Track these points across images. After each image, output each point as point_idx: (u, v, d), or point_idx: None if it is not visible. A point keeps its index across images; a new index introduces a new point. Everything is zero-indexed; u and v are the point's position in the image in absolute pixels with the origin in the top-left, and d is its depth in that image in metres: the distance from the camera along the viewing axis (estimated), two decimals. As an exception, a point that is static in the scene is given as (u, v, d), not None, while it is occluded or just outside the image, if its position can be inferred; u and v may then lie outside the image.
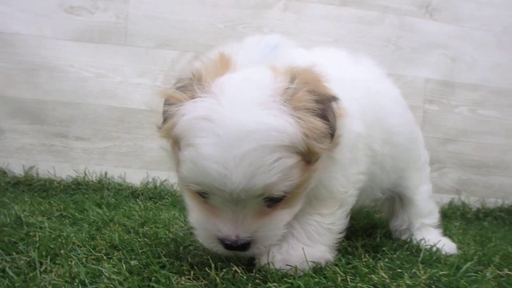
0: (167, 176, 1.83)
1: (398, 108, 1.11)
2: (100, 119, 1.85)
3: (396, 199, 1.18)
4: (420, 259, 0.94)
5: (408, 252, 1.03)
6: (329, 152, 0.74)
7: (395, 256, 0.97)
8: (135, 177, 1.80)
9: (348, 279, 0.75)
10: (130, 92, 1.85)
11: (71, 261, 0.75)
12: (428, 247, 1.05)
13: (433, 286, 0.78)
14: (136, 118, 1.86)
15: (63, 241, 0.88)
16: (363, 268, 0.83)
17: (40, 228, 1.00)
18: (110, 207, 1.44)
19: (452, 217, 1.79)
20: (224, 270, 0.76)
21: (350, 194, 0.86)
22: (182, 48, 1.87)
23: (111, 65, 1.84)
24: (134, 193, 1.70)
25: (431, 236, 1.15)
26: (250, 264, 0.83)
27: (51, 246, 0.83)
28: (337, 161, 0.78)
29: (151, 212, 1.38)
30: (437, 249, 1.03)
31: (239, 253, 0.74)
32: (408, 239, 1.16)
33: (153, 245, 0.93)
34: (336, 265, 0.82)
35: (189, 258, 0.84)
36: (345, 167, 0.82)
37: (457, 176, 2.06)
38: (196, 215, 0.75)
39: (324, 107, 0.70)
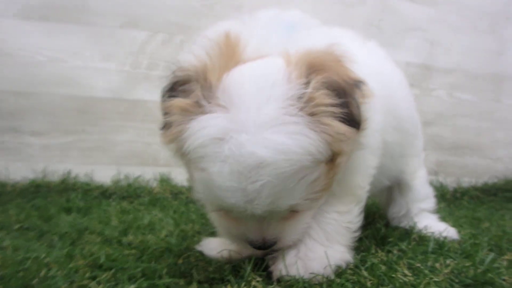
0: (141, 171, 1.65)
1: (404, 91, 1.05)
2: (59, 111, 1.62)
3: (395, 186, 1.14)
4: (430, 248, 0.87)
5: (415, 242, 0.95)
6: (356, 139, 0.67)
7: (403, 247, 0.88)
8: (104, 175, 1.60)
9: (377, 283, 0.65)
10: (93, 79, 1.63)
11: (50, 296, 0.58)
12: (434, 235, 0.98)
13: (457, 280, 0.70)
14: (102, 108, 1.64)
15: (34, 264, 0.70)
16: (380, 265, 0.73)
17: (0, 248, 0.80)
18: (80, 212, 1.25)
19: (433, 198, 1.78)
20: (241, 285, 0.63)
21: (366, 190, 0.82)
22: (153, 29, 1.67)
23: (70, 48, 1.61)
24: (105, 193, 1.51)
25: (431, 222, 1.11)
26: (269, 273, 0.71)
27: (19, 274, 0.65)
28: (363, 146, 0.72)
29: (129, 215, 1.20)
30: (445, 238, 0.96)
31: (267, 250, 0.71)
32: (408, 227, 1.10)
33: (146, 260, 0.78)
34: (357, 267, 0.72)
35: (194, 273, 0.70)
36: (366, 158, 0.77)
37: (435, 158, 2.06)
38: (220, 222, 0.71)
39: (346, 100, 0.62)
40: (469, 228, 1.16)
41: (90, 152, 1.64)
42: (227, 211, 0.66)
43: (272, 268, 0.72)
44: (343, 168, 0.69)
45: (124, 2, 1.63)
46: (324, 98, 0.60)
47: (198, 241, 0.92)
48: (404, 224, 1.12)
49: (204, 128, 0.59)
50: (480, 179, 2.00)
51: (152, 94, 1.68)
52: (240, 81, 0.60)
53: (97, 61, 1.63)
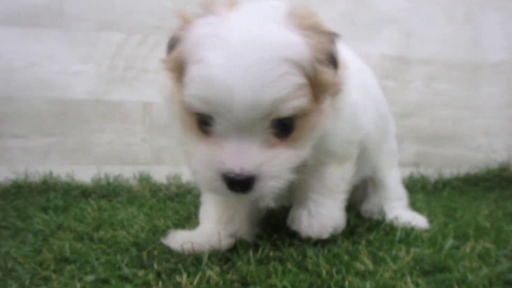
0: (121, 170, 1.69)
1: (378, 88, 1.11)
2: (39, 114, 1.66)
3: (369, 182, 1.17)
4: (397, 238, 0.92)
5: (383, 232, 1.01)
6: (333, 95, 0.73)
7: (371, 237, 0.94)
8: (85, 175, 1.64)
9: (334, 271, 0.70)
10: (70, 82, 1.67)
11: (10, 286, 0.62)
12: (402, 225, 1.03)
13: (418, 267, 0.75)
14: (80, 110, 1.68)
15: (1, 259, 0.75)
16: (344, 255, 0.78)
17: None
18: (58, 210, 1.29)
19: (414, 190, 1.81)
20: (197, 275, 0.68)
21: (353, 149, 0.88)
22: (127, 31, 1.71)
23: (46, 52, 1.65)
24: (84, 192, 1.55)
25: (400, 212, 1.14)
26: (226, 262, 0.76)
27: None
28: (341, 113, 0.76)
29: (105, 212, 1.25)
30: (412, 227, 1.01)
31: (243, 195, 0.67)
32: (381, 218, 1.14)
33: (112, 253, 0.82)
34: (317, 256, 0.77)
35: (155, 265, 0.75)
36: (347, 125, 0.81)
37: (415, 149, 2.09)
38: (198, 152, 0.68)
39: (329, 38, 0.70)
40: (443, 218, 1.20)
41: (70, 153, 1.68)
42: (207, 135, 0.66)
43: (295, 229, 0.82)
44: (326, 122, 0.72)
45: (98, 6, 1.67)
46: (313, 18, 0.68)
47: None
48: (377, 215, 1.15)
49: (201, 26, 0.65)
50: (461, 169, 2.03)
51: (129, 95, 1.72)
52: (239, 6, 0.67)
53: (74, 65, 1.67)
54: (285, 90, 0.62)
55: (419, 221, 1.08)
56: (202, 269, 0.69)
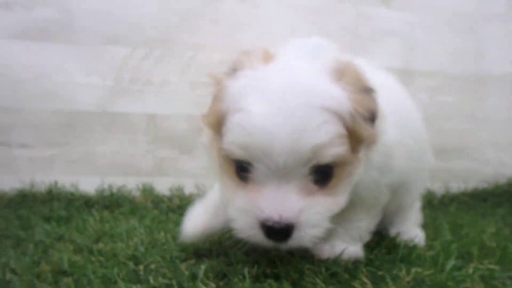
0: (124, 181, 1.71)
1: (416, 110, 1.08)
2: (45, 124, 1.69)
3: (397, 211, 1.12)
4: (399, 257, 0.91)
5: (385, 250, 1.00)
6: (369, 146, 0.71)
7: (372, 256, 0.93)
8: (88, 185, 1.66)
9: (328, 289, 0.70)
10: (77, 94, 1.70)
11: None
12: (405, 243, 1.02)
13: None
14: (86, 122, 1.71)
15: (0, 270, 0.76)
16: (344, 274, 0.78)
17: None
18: (61, 221, 1.31)
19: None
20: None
21: (383, 198, 0.88)
22: (133, 44, 1.74)
23: (54, 65, 1.68)
24: (88, 203, 1.57)
25: (404, 228, 1.11)
26: (223, 278, 0.76)
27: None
28: (373, 162, 0.75)
29: (107, 224, 1.26)
30: (415, 244, 1.00)
31: (281, 244, 0.66)
32: (384, 233, 1.13)
33: (110, 266, 0.83)
34: (316, 275, 0.77)
35: (151, 279, 0.75)
36: (380, 175, 0.80)
37: (420, 163, 2.06)
38: (235, 199, 0.68)
39: (370, 94, 0.69)
40: (447, 235, 1.17)
41: (75, 164, 1.71)
42: (245, 181, 0.66)
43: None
44: (361, 170, 0.71)
45: (105, 20, 1.70)
46: (355, 77, 0.67)
47: (167, 249, 0.98)
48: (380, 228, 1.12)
49: (241, 79, 0.67)
50: (469, 184, 1.99)
51: (134, 107, 1.75)
52: (276, 64, 0.68)
53: (80, 77, 1.70)
54: (324, 137, 0.62)
55: (421, 238, 1.07)
56: (197, 285, 0.70)
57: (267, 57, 0.70)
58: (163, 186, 1.72)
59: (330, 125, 0.62)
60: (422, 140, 1.06)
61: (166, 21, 1.76)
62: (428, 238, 1.11)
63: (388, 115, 0.75)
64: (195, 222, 0.93)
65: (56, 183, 1.64)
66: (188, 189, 1.73)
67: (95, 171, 1.71)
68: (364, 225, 0.89)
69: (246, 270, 0.77)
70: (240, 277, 0.75)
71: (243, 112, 0.63)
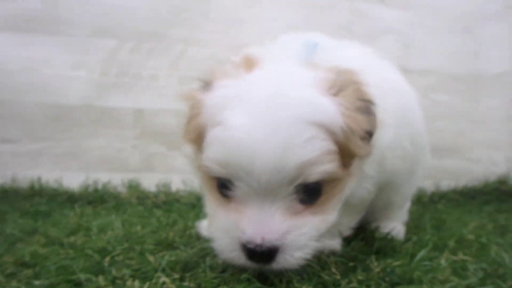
0: (110, 177, 1.67)
1: (418, 108, 1.03)
2: (31, 118, 1.66)
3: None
4: (374, 249, 0.87)
5: (363, 242, 0.96)
6: (362, 159, 0.66)
7: (348, 248, 0.89)
8: (74, 181, 1.62)
9: (294, 281, 0.66)
10: (63, 87, 1.67)
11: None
12: (381, 235, 0.99)
13: (387, 279, 0.70)
14: (73, 115, 1.68)
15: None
16: (314, 265, 0.74)
17: None
18: (39, 216, 1.27)
19: (409, 202, 1.75)
20: (151, 281, 0.64)
21: (367, 200, 0.83)
22: (121, 37, 1.71)
23: (40, 57, 1.65)
24: (71, 199, 1.53)
25: (385, 223, 1.07)
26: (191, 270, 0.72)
27: None
28: (365, 173, 0.71)
29: (85, 218, 1.22)
30: (392, 237, 0.96)
31: (264, 266, 0.61)
32: (366, 227, 1.09)
33: (75, 258, 0.79)
34: None
35: (113, 270, 0.71)
36: (372, 179, 0.76)
37: (414, 161, 2.03)
38: (217, 218, 0.63)
39: (368, 109, 0.63)
40: (430, 230, 1.15)
41: (60, 159, 1.67)
42: (229, 198, 0.61)
43: None
44: (352, 185, 0.67)
45: (93, 11, 1.67)
46: (352, 92, 0.61)
47: (141, 242, 0.94)
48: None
49: (220, 90, 0.61)
50: (460, 182, 1.97)
51: (121, 101, 1.72)
52: (261, 71, 0.63)
53: (67, 70, 1.67)
54: (311, 154, 0.56)
55: (400, 232, 1.03)
56: (157, 276, 0.66)
57: (250, 64, 0.64)
58: (150, 182, 1.68)
59: (318, 141, 0.57)
60: (421, 142, 0.99)
61: (156, 14, 1.73)
62: (410, 232, 1.08)
63: (390, 118, 0.70)
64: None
65: (39, 178, 1.60)
66: (176, 185, 1.70)
67: (81, 166, 1.68)
68: (346, 222, 0.84)
69: (215, 261, 0.73)
70: (208, 268, 0.71)
71: (222, 126, 0.57)
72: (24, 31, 1.64)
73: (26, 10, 1.63)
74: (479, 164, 2.06)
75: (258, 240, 0.57)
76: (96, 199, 1.53)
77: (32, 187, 1.56)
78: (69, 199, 1.52)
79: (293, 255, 0.60)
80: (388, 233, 0.98)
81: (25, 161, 1.65)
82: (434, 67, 2.04)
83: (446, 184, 1.95)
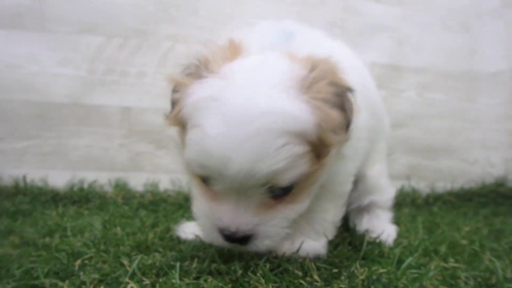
0: (97, 176, 1.64)
1: (370, 78, 1.04)
2: (16, 116, 1.62)
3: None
4: (361, 254, 0.84)
5: (350, 247, 0.93)
6: (340, 147, 0.70)
7: (335, 252, 0.86)
8: (59, 180, 1.59)
9: (271, 287, 0.63)
10: (49, 84, 1.64)
11: None
12: (370, 239, 0.95)
13: (372, 286, 0.67)
14: (59, 113, 1.65)
15: None
16: (296, 271, 0.71)
17: None
18: (20, 214, 1.24)
19: (402, 204, 1.72)
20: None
21: (347, 182, 0.85)
22: (108, 34, 1.68)
23: (26, 54, 1.62)
24: (55, 198, 1.50)
25: (377, 223, 1.07)
26: (164, 275, 0.69)
27: None
28: (343, 156, 0.74)
29: (65, 218, 1.19)
30: (380, 241, 0.93)
31: (239, 246, 0.69)
32: (352, 226, 1.06)
33: (45, 261, 0.77)
34: (264, 270, 0.69)
35: (81, 275, 0.69)
36: (348, 162, 0.79)
37: (407, 161, 1.99)
38: (199, 203, 0.70)
39: (343, 100, 0.66)
40: (422, 233, 1.12)
41: (46, 157, 1.64)
42: (209, 184, 0.66)
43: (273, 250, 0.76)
44: (327, 171, 0.70)
45: (80, 8, 1.64)
46: (326, 87, 0.63)
47: (117, 244, 0.91)
48: (351, 221, 1.09)
49: (200, 89, 0.63)
50: (456, 183, 1.92)
51: (108, 99, 1.68)
52: (242, 64, 0.65)
53: (53, 67, 1.64)
54: (283, 162, 0.59)
55: (390, 235, 1.01)
56: (125, 282, 0.63)
57: (234, 51, 0.67)
58: (137, 181, 1.66)
59: (289, 148, 0.60)
60: (379, 106, 1.03)
61: (144, 10, 1.70)
62: (401, 236, 1.04)
63: (361, 101, 0.72)
64: None
65: (24, 177, 1.57)
66: (164, 184, 1.67)
67: (67, 165, 1.65)
68: (330, 217, 0.84)
69: (191, 267, 0.70)
70: (181, 273, 0.69)
71: (201, 130, 0.61)
72: (9, 27, 1.60)
73: (11, 6, 1.60)
74: (475, 165, 2.01)
75: (233, 229, 0.65)
76: (81, 198, 1.50)
77: (16, 186, 1.53)
78: (53, 198, 1.49)
79: (263, 243, 0.68)
80: (377, 237, 0.95)
81: (10, 159, 1.62)
82: (429, 65, 2.00)
83: (442, 186, 1.91)
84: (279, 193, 0.65)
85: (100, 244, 0.90)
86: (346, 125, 0.67)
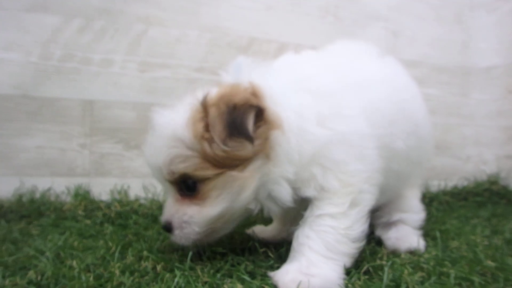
0: (51, 183, 1.38)
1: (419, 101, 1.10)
2: (-51, 110, 1.33)
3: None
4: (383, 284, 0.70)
5: (367, 277, 0.75)
6: (257, 161, 0.79)
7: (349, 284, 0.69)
8: (3, 188, 1.32)
9: None
10: (-8, 72, 1.35)
11: None
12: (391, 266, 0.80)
13: None
14: (3, 107, 1.37)
15: None
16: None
17: None
18: None
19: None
20: None
21: (361, 191, 0.80)
22: (67, 13, 1.41)
23: (-39, 34, 1.33)
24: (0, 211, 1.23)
25: (405, 233, 1.03)
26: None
27: None
28: (274, 174, 0.79)
29: (8, 246, 0.94)
30: (401, 270, 0.76)
31: (172, 237, 0.84)
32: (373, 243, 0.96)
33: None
34: None
35: None
36: (288, 181, 0.80)
37: (399, 159, 1.87)
38: None
39: (233, 117, 0.75)
40: (434, 250, 0.96)
41: (-13, 161, 1.36)
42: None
43: (275, 281, 0.73)
44: (252, 184, 0.79)
45: (30, -20, 1.36)
46: (212, 107, 0.76)
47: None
48: (378, 233, 1.06)
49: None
50: (449, 181, 1.85)
51: (66, 90, 1.42)
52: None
53: (-3, 51, 1.35)
54: (168, 157, 0.78)
55: (421, 243, 0.99)
56: None
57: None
58: (102, 188, 1.41)
59: (171, 149, 0.77)
60: (425, 140, 1.08)
61: (109, -14, 1.44)
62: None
63: (288, 123, 0.79)
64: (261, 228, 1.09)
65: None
66: (134, 191, 1.43)
67: (13, 170, 1.37)
68: (342, 227, 0.77)
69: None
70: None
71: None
72: None
73: None
74: (468, 162, 1.95)
75: (163, 221, 0.85)
76: (31, 212, 1.24)
77: None
78: (-5, 212, 1.22)
79: (183, 231, 0.82)
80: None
81: None
82: (422, 58, 1.92)
83: (436, 183, 1.82)
84: (187, 190, 0.80)
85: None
86: (243, 133, 0.74)
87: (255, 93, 0.78)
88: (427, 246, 1.00)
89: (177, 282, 0.72)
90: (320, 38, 1.71)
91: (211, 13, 1.56)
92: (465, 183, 1.84)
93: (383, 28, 1.85)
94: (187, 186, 0.80)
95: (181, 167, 0.77)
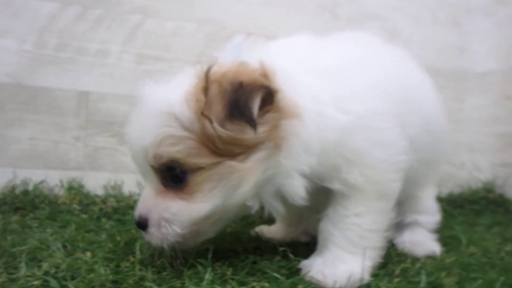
0: (45, 175, 1.34)
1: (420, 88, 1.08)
2: None
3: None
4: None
5: (398, 279, 0.75)
6: (260, 150, 0.70)
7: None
8: (-4, 180, 1.28)
9: None
10: (-17, 59, 1.30)
11: None
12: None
13: None
14: (-5, 96, 1.32)
15: None
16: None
17: None
18: None
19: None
20: None
21: (386, 181, 0.76)
22: (62, 0, 1.37)
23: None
24: (-8, 204, 1.19)
25: (420, 238, 1.00)
26: None
27: None
28: (285, 167, 0.71)
29: (9, 237, 0.91)
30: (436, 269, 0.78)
31: (145, 235, 0.73)
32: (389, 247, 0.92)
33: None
34: None
35: None
36: (304, 175, 0.73)
37: (393, 165, 1.90)
38: None
39: (236, 97, 0.66)
40: (452, 253, 0.97)
41: (-23, 151, 1.31)
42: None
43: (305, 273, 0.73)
44: (253, 178, 0.69)
45: (25, -36, 1.32)
46: (213, 85, 0.67)
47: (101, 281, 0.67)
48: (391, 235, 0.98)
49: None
50: (443, 188, 1.84)
51: (61, 80, 1.39)
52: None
53: (-12, 38, 1.30)
54: (159, 137, 0.67)
55: (437, 250, 0.97)
56: None
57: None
58: (96, 183, 1.39)
59: (164, 128, 0.67)
60: (441, 139, 1.07)
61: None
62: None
63: (305, 108, 0.72)
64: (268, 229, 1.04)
65: None
66: (128, 187, 1.41)
67: (6, 162, 1.33)
68: (366, 223, 0.75)
69: None
70: None
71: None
72: None
73: None
74: (462, 169, 1.96)
75: (136, 214, 0.73)
76: (26, 205, 1.21)
77: None
78: (-13, 204, 1.18)
79: (160, 230, 0.70)
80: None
81: None
82: (418, 60, 1.91)
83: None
84: (172, 180, 0.70)
85: (64, 281, 0.66)
86: (248, 123, 0.66)
87: (265, 74, 0.69)
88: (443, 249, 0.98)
89: (201, 279, 0.68)
90: (316, 34, 1.73)
91: (206, 6, 1.55)
92: (459, 190, 1.84)
93: (379, 27, 1.85)
94: (174, 176, 0.69)
95: (172, 151, 0.66)
